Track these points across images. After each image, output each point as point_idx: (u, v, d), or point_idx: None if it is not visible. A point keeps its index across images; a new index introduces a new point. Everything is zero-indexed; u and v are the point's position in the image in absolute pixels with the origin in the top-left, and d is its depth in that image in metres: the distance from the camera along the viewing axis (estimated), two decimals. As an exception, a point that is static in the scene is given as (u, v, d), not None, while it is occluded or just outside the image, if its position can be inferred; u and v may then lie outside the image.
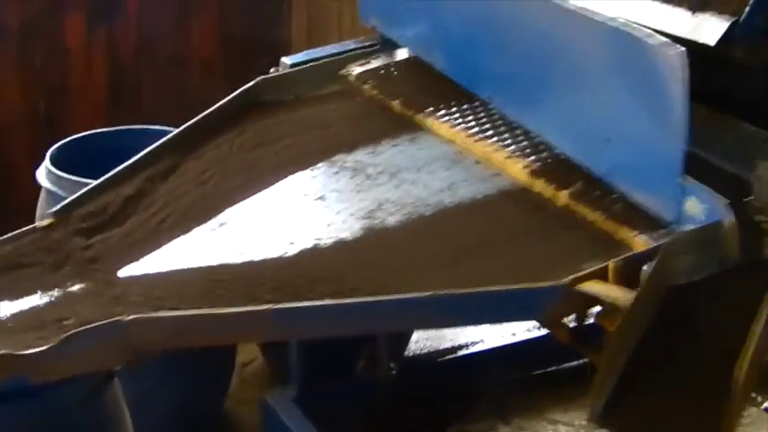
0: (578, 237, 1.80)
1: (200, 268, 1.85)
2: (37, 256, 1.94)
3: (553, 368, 2.92)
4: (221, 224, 1.98)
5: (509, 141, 2.07)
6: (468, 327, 2.87)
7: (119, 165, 2.14)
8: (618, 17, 1.80)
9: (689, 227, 1.67)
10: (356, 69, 2.46)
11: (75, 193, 2.07)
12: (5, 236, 1.97)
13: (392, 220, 1.91)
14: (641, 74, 1.70)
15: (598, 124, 1.84)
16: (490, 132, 2.11)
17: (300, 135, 2.24)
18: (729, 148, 1.84)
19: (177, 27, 4.00)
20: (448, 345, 3.02)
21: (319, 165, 2.11)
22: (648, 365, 1.68)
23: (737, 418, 1.69)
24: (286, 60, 2.55)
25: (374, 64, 2.48)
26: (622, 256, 1.66)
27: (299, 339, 2.51)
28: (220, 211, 2.01)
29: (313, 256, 1.84)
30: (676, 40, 1.75)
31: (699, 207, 1.66)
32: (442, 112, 2.21)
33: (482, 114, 2.17)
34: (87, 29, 3.85)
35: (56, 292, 1.85)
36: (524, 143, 2.05)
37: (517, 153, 2.03)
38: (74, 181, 2.88)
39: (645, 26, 1.80)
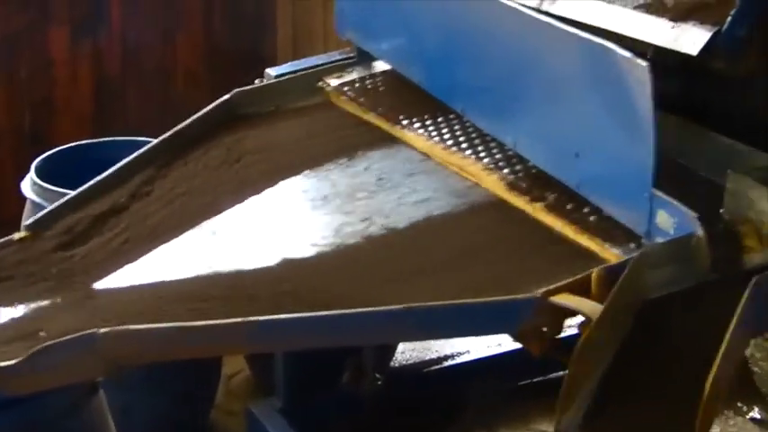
0: (553, 249, 1.80)
1: (180, 280, 1.85)
2: (14, 269, 1.94)
3: (539, 379, 2.92)
4: (199, 237, 1.98)
5: (484, 154, 2.07)
6: (449, 338, 2.87)
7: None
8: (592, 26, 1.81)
9: (660, 240, 1.67)
10: (333, 82, 2.46)
11: (61, 205, 2.08)
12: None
13: (368, 234, 1.91)
14: (610, 87, 1.71)
15: (569, 137, 1.84)
16: (465, 145, 2.11)
17: (272, 150, 2.24)
18: (711, 159, 1.84)
19: (162, 39, 4.00)
20: (434, 356, 3.02)
21: (292, 180, 2.11)
22: (626, 377, 1.67)
23: (709, 428, 1.69)
24: (270, 72, 2.55)
25: (351, 76, 2.48)
26: (596, 269, 1.66)
27: (278, 351, 2.51)
28: (197, 224, 2.01)
29: (290, 270, 1.85)
30: (658, 50, 1.76)
31: (669, 220, 1.66)
32: (418, 124, 2.22)
33: (457, 127, 2.18)
34: (72, 41, 3.85)
35: (32, 305, 1.85)
36: (499, 156, 2.05)
37: (492, 166, 2.03)
38: (59, 193, 2.87)
39: (627, 36, 1.81)
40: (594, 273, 1.64)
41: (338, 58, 2.56)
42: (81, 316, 1.78)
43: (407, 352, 3.06)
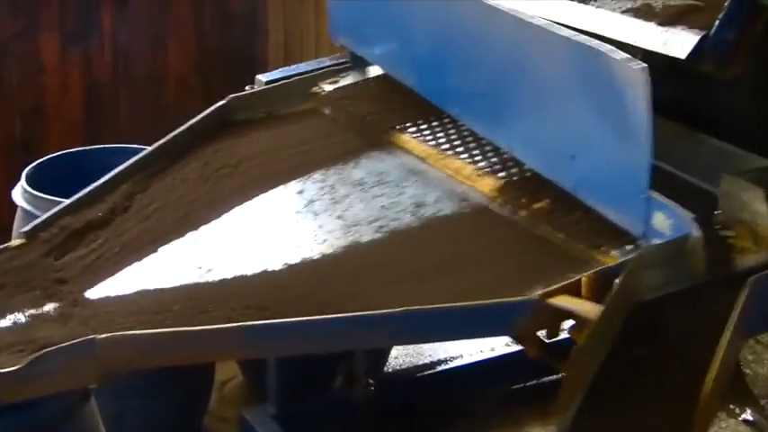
0: (549, 252, 1.80)
1: (170, 288, 1.85)
2: (7, 276, 1.93)
3: (533, 382, 2.93)
4: (194, 242, 1.98)
5: (479, 158, 2.08)
6: (444, 342, 2.87)
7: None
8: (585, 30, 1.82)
9: (656, 241, 1.68)
10: (327, 87, 2.47)
11: (53, 212, 2.07)
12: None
13: (363, 238, 1.91)
14: (606, 90, 1.71)
15: (564, 140, 1.85)
16: (460, 149, 2.12)
17: (264, 155, 2.24)
18: (701, 161, 1.85)
19: (153, 45, 3.99)
20: (427, 360, 3.02)
21: (286, 184, 2.11)
22: (618, 380, 1.68)
23: (707, 428, 1.69)
24: (261, 78, 2.55)
25: (345, 81, 2.49)
26: (593, 271, 1.66)
27: (272, 357, 2.51)
28: (193, 229, 2.01)
29: (283, 274, 1.84)
30: (647, 54, 1.76)
31: (665, 222, 1.66)
32: (413, 129, 2.22)
33: (452, 131, 2.19)
34: (62, 48, 3.84)
35: (25, 313, 1.84)
36: (494, 159, 2.06)
37: (487, 169, 2.03)
38: (50, 200, 2.86)
39: (616, 40, 1.81)
40: (589, 275, 1.65)
41: (331, 63, 2.56)
42: (74, 323, 1.78)
43: (401, 357, 3.07)
